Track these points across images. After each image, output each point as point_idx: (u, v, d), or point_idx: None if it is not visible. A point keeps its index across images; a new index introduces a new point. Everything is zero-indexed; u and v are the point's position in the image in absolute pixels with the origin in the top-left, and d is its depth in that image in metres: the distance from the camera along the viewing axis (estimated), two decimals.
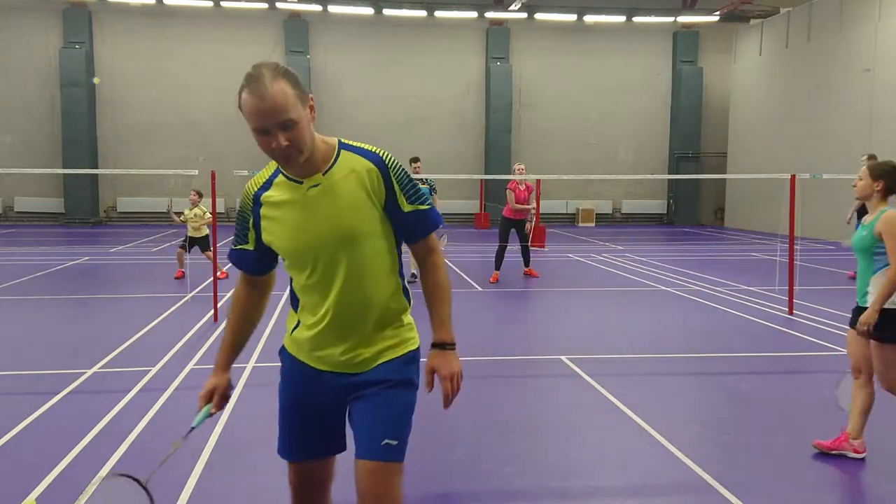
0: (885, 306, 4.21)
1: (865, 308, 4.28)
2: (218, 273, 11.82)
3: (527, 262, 12.46)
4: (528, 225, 12.40)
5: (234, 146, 25.40)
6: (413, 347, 2.51)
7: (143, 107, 25.28)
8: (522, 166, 12.25)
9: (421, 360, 2.50)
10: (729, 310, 9.51)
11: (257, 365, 6.59)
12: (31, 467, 4.23)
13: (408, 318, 2.53)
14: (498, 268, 11.99)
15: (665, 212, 28.20)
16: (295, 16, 25.51)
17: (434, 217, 2.46)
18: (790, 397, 5.86)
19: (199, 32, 25.35)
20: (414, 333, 2.54)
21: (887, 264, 4.20)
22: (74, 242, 18.26)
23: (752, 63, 24.85)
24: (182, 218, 11.84)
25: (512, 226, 12.04)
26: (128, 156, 24.97)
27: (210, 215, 11.81)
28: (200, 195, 11.80)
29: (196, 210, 11.71)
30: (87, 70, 24.56)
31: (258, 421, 5.14)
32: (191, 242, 11.75)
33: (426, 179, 11.73)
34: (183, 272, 11.78)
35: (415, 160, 12.20)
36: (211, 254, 11.94)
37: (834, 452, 4.46)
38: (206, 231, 11.79)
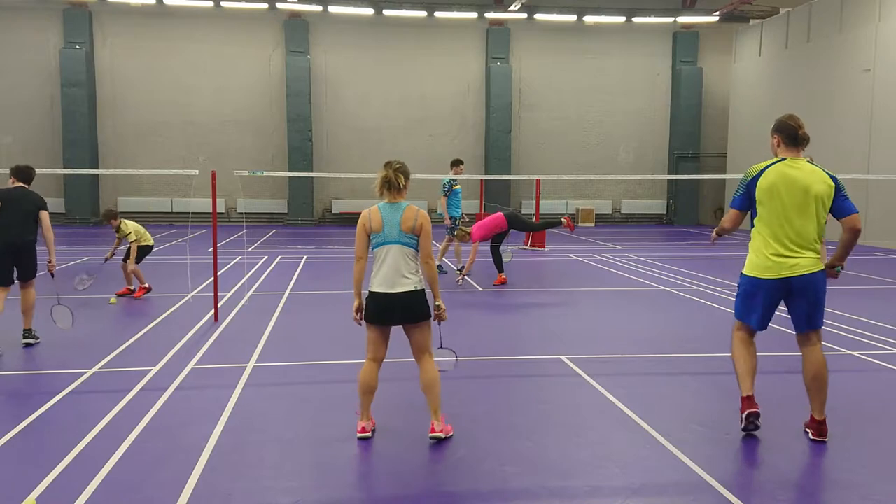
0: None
1: None
2: (136, 290, 10.36)
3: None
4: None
5: (234, 146, 25.45)
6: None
7: (143, 107, 25.30)
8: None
9: None
10: (729, 310, 9.49)
11: (257, 365, 6.60)
12: (31, 467, 4.24)
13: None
14: (500, 270, 11.85)
15: (665, 212, 28.20)
16: (295, 16, 25.50)
17: None
18: (790, 397, 5.86)
19: (199, 32, 25.33)
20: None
21: None
22: (75, 242, 18.26)
23: (752, 63, 24.85)
24: (129, 239, 10.37)
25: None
26: (128, 156, 25.00)
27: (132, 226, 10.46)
28: (116, 215, 10.47)
29: (128, 226, 10.42)
30: (88, 70, 24.57)
31: (258, 421, 5.14)
32: (141, 252, 10.47)
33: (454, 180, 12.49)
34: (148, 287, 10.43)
35: (457, 163, 12.78)
36: (134, 267, 10.35)
37: None
38: (150, 239, 10.64)
